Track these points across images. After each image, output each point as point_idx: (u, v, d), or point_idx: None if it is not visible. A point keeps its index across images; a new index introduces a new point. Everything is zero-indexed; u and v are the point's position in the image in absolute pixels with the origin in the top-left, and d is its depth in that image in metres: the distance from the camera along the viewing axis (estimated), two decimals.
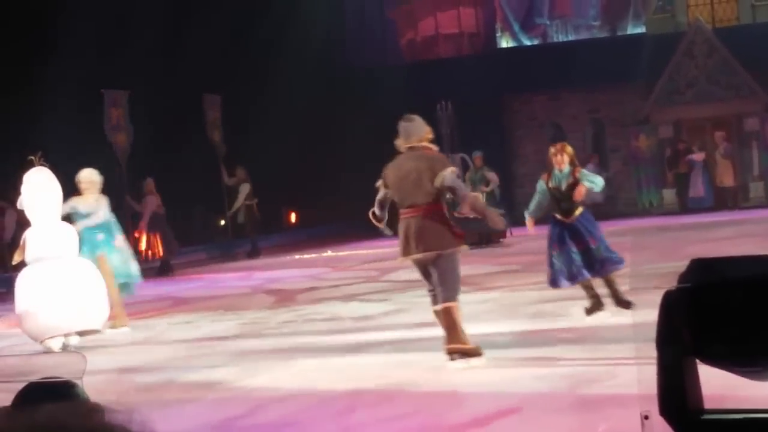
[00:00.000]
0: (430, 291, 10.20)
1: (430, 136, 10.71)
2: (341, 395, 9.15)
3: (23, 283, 13.19)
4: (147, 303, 17.94)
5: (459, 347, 9.83)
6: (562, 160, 12.03)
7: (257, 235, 27.62)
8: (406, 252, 10.16)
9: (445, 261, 9.93)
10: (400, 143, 10.62)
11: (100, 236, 14.73)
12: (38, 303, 12.92)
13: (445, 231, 10.01)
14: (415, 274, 15.61)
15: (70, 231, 13.59)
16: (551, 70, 31.99)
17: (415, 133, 10.58)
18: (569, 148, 12.29)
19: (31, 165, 13.56)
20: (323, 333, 12.97)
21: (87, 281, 13.24)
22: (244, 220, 27.07)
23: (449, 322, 9.86)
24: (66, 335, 13.13)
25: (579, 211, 12.04)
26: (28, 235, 13.39)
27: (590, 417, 7.69)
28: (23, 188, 13.57)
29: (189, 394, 9.73)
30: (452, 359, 9.83)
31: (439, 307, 9.94)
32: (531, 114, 34.14)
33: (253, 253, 27.20)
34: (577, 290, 14.39)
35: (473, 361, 9.78)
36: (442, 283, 9.91)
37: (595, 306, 11.96)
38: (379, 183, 10.62)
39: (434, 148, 10.71)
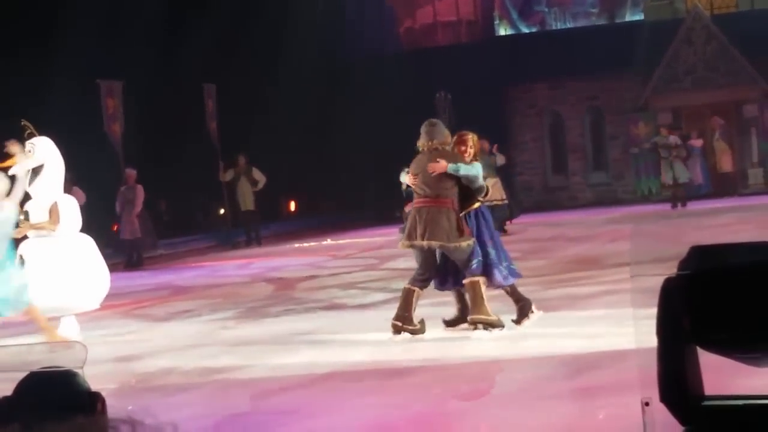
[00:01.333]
0: (419, 277, 11.13)
1: (450, 140, 11.27)
2: (341, 382, 9.16)
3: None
4: (147, 292, 17.96)
5: (483, 318, 10.59)
6: (465, 150, 11.28)
7: (259, 224, 27.69)
8: (410, 238, 10.96)
9: (457, 252, 10.70)
10: (423, 144, 11.23)
11: None
12: (33, 283, 12.61)
13: (453, 226, 10.77)
14: (414, 263, 15.59)
15: (72, 205, 13.21)
16: (550, 57, 31.98)
17: (438, 137, 11.17)
18: (469, 138, 11.43)
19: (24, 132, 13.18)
20: (323, 321, 12.98)
21: (83, 259, 13.02)
22: (253, 207, 27.16)
23: (475, 294, 10.61)
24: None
25: (476, 205, 11.19)
26: (30, 208, 13.02)
27: (590, 404, 7.70)
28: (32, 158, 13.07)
29: (189, 383, 9.74)
30: (475, 329, 10.60)
31: (466, 280, 10.66)
32: (530, 102, 34.13)
33: (256, 241, 27.27)
34: (577, 279, 14.43)
35: (495, 332, 10.54)
36: (464, 265, 10.71)
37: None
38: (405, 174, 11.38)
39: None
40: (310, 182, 31.83)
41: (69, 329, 12.82)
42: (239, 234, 28.23)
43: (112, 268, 16.56)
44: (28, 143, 13.02)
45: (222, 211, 29.31)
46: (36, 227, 12.88)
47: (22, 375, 2.65)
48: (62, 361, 2.77)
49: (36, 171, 12.98)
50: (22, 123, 13.19)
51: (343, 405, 8.35)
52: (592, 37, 32.19)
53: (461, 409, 7.98)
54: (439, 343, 10.39)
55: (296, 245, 26.16)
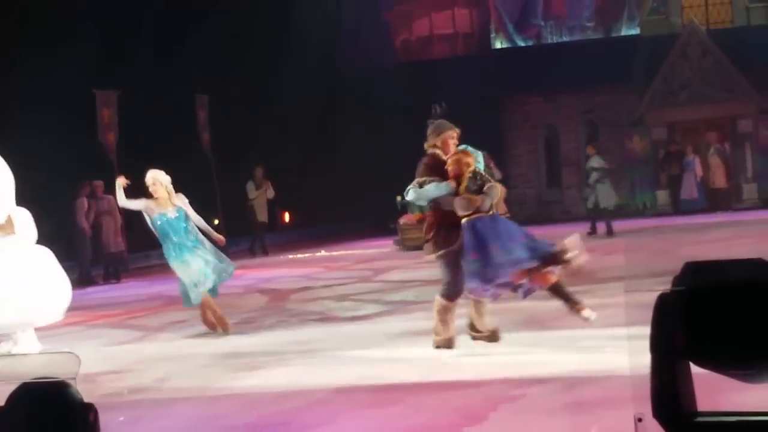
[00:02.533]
0: None
1: (431, 143, 11.05)
2: (334, 394, 9.15)
3: None
4: (139, 302, 17.95)
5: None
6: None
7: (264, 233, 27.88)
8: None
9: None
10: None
11: None
12: None
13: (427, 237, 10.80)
14: (409, 275, 15.73)
15: (26, 217, 12.80)
16: (545, 71, 32.03)
17: (427, 139, 11.10)
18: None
19: None
20: (316, 333, 12.97)
21: (41, 271, 12.61)
22: (266, 219, 27.37)
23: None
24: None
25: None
26: None
27: (583, 419, 7.69)
28: None
29: (181, 394, 9.72)
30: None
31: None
32: (525, 115, 34.17)
33: (263, 250, 27.38)
34: (576, 293, 14.42)
35: (489, 347, 10.55)
36: None
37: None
38: None
39: (435, 153, 10.99)
40: (304, 193, 31.81)
41: (29, 344, 12.57)
42: (232, 244, 28.20)
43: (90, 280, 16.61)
44: None
45: (216, 221, 29.27)
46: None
47: (13, 386, 2.64)
48: (54, 372, 2.76)
49: None
50: None
51: (335, 418, 8.34)
52: (587, 51, 32.25)
53: (454, 424, 7.97)
54: (433, 359, 10.37)
55: (290, 256, 26.16)
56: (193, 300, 13.63)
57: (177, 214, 14.00)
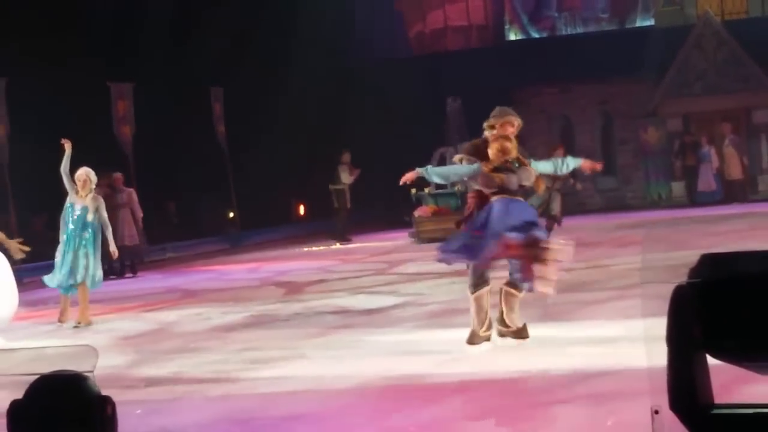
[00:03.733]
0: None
1: (489, 123, 10.82)
2: (350, 388, 9.16)
3: None
4: (156, 295, 17.97)
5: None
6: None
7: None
8: None
9: None
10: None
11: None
12: None
13: None
14: (423, 267, 15.66)
15: None
16: (560, 62, 31.97)
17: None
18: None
19: None
20: (332, 326, 12.98)
21: None
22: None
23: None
24: None
25: None
26: None
27: (599, 411, 7.69)
28: None
29: (198, 387, 9.74)
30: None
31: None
32: (540, 106, 34.09)
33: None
34: (586, 285, 14.41)
35: (506, 340, 10.41)
36: None
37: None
38: None
39: (486, 136, 10.81)
40: (319, 186, 31.81)
41: None
42: (248, 237, 28.24)
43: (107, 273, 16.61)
44: None
45: (231, 214, 29.32)
46: None
47: (32, 379, 2.65)
48: (72, 364, 2.78)
49: None
50: None
51: (351, 411, 8.35)
52: (602, 43, 32.18)
53: (470, 416, 7.97)
54: (448, 352, 10.36)
55: (305, 249, 26.17)
56: (48, 282, 15.18)
57: (81, 211, 14.97)
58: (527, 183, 10.54)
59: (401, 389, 8.99)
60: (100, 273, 15.18)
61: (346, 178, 26.83)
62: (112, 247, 15.21)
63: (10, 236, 19.22)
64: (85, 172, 15.16)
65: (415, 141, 27.56)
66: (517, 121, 10.74)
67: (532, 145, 34.04)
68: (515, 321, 10.49)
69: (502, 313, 10.49)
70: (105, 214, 15.21)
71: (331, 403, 8.65)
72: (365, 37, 34.57)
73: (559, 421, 7.57)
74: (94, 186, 15.21)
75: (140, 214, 22.28)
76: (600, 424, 7.38)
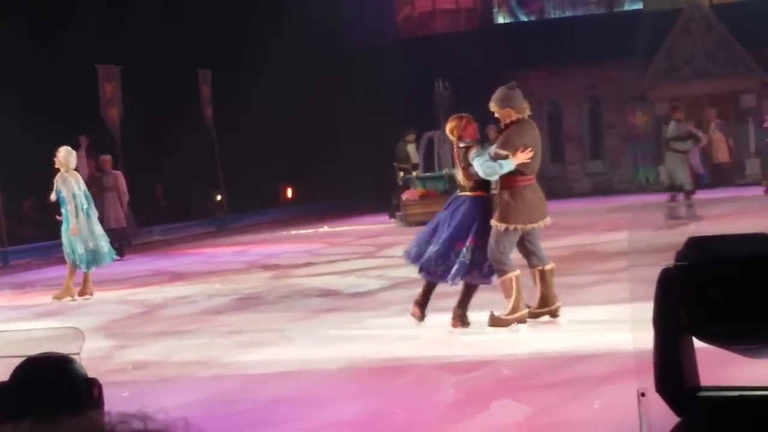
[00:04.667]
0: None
1: (524, 107, 10.69)
2: (337, 370, 9.17)
3: None
4: (143, 277, 17.97)
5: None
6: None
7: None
8: (538, 218, 10.40)
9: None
10: (525, 108, 10.58)
11: None
12: None
13: None
14: None
15: None
16: (549, 46, 31.93)
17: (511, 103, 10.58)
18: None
19: None
20: (319, 308, 12.99)
21: None
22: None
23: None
24: None
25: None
26: None
27: (586, 394, 7.71)
28: None
29: (184, 370, 9.75)
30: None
31: (550, 265, 10.49)
32: (528, 90, 33.79)
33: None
34: (573, 268, 14.44)
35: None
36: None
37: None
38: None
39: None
40: (307, 169, 31.79)
41: None
42: (236, 220, 28.24)
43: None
44: None
45: (219, 197, 29.30)
46: None
47: (18, 361, 2.65)
48: (59, 347, 2.77)
49: None
50: None
51: (336, 393, 8.37)
52: (590, 26, 32.13)
53: (456, 399, 8.00)
54: (437, 335, 10.37)
55: (293, 232, 26.17)
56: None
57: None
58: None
59: (389, 371, 9.00)
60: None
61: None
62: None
63: None
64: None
65: (403, 125, 27.52)
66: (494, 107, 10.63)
67: None
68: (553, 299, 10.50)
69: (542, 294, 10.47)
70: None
71: (318, 386, 8.66)
72: (354, 20, 34.47)
73: (545, 404, 7.59)
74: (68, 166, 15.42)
75: (126, 198, 22.17)
76: (587, 406, 7.41)
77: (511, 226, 10.15)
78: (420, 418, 7.48)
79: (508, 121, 10.50)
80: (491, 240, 10.13)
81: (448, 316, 10.56)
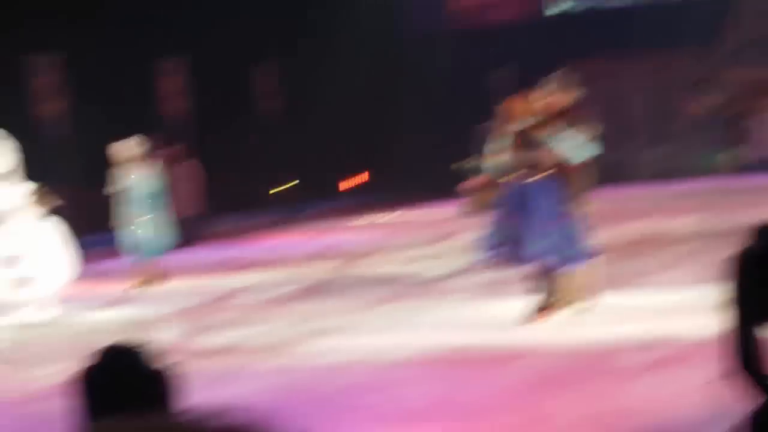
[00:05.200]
0: None
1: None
2: (405, 358, 9.20)
3: None
4: (213, 266, 18.08)
5: None
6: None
7: None
8: None
9: None
10: (577, 94, 10.76)
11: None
12: None
13: None
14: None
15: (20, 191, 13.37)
16: (609, 33, 31.66)
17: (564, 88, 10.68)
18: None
19: None
20: (386, 297, 13.02)
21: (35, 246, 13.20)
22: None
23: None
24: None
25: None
26: None
27: (658, 378, 7.70)
28: None
29: (255, 358, 9.83)
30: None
31: None
32: (589, 77, 33.77)
33: None
34: (641, 253, 14.35)
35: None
36: None
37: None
38: None
39: None
40: (369, 158, 31.83)
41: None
42: (303, 208, 28.33)
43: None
44: None
45: (287, 186, 29.40)
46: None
47: (99, 347, 2.71)
48: (135, 334, 2.84)
49: None
50: None
51: (406, 381, 8.40)
52: (653, 11, 31.85)
53: (532, 387, 7.99)
54: (503, 322, 10.35)
55: (359, 221, 26.20)
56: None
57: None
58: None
59: (456, 358, 9.02)
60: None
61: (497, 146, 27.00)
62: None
63: (72, 210, 19.46)
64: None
65: (463, 115, 27.46)
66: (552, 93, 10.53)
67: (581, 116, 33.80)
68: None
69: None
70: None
71: (385, 374, 8.70)
72: (411, 10, 34.38)
73: (617, 389, 7.58)
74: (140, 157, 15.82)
75: (197, 186, 22.38)
76: (660, 391, 7.38)
77: (587, 208, 10.15)
78: (489, 404, 7.49)
79: (565, 106, 10.43)
80: (575, 223, 10.06)
81: (514, 302, 10.54)
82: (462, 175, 26.30)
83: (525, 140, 10.23)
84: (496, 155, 10.33)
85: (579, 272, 10.10)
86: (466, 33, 33.90)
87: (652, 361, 8.22)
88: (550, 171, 10.14)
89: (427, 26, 33.81)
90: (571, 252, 9.98)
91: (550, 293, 10.17)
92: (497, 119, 10.91)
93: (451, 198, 26.74)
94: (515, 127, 10.36)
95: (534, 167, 10.16)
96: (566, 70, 10.80)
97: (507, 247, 10.07)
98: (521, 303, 10.44)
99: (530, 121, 10.30)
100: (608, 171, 31.89)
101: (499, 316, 10.63)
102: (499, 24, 34.20)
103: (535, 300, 10.27)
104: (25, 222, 13.14)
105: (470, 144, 26.98)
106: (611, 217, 19.92)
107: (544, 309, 10.15)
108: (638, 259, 13.84)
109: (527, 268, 10.25)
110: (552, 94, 10.44)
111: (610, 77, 33.26)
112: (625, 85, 33.33)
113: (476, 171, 25.83)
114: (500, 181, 10.39)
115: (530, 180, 10.16)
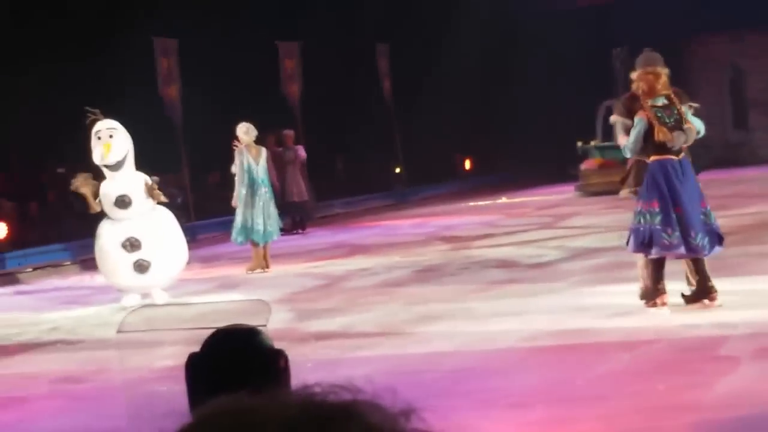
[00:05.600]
0: None
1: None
2: (517, 342, 9.20)
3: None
4: (324, 250, 18.23)
5: None
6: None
7: None
8: None
9: None
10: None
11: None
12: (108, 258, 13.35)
13: None
14: (590, 220, 15.47)
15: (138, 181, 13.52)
16: (731, 8, 31.07)
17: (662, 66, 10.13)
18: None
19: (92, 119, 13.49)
20: (498, 280, 13.01)
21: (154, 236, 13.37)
22: None
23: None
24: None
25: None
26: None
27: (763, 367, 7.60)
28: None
29: (367, 341, 9.90)
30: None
31: None
32: (710, 55, 33.27)
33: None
34: (757, 237, 14.12)
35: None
36: None
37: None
38: None
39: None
40: (484, 140, 31.75)
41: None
42: (415, 193, 28.38)
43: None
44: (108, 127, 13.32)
45: (398, 169, 29.49)
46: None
47: (208, 332, 2.76)
48: (247, 318, 2.88)
49: None
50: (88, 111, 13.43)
51: (518, 365, 8.40)
52: None
53: (642, 371, 7.94)
54: (616, 306, 10.26)
55: (471, 204, 26.18)
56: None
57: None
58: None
59: (569, 342, 8.99)
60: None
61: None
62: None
63: (184, 195, 19.82)
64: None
65: (580, 94, 27.25)
66: (659, 71, 9.95)
67: (701, 95, 33.31)
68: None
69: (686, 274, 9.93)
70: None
71: (497, 357, 8.70)
72: None
73: (728, 376, 7.49)
74: (248, 140, 15.95)
75: (304, 170, 22.40)
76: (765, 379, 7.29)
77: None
78: (594, 391, 7.46)
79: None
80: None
81: (627, 287, 10.44)
82: (579, 157, 26.13)
83: (664, 118, 9.65)
84: (623, 136, 9.85)
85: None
86: (587, 9, 33.53)
87: (761, 347, 8.11)
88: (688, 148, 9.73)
89: (549, 3, 33.52)
90: (715, 236, 9.60)
91: (704, 279, 9.69)
92: (621, 99, 10.59)
93: (567, 180, 26.59)
94: (651, 104, 9.74)
95: (674, 146, 9.58)
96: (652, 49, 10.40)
97: (668, 236, 9.44)
98: (635, 288, 10.34)
99: (662, 99, 9.78)
100: (727, 152, 31.37)
101: (613, 300, 10.55)
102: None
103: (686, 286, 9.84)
104: (143, 208, 13.38)
105: (588, 125, 26.81)
106: (729, 198, 19.58)
107: (711, 290, 9.68)
108: (752, 243, 13.60)
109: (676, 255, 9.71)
110: (665, 72, 10.05)
111: (733, 55, 32.62)
112: (747, 63, 32.67)
113: (594, 152, 25.65)
114: (637, 162, 9.95)
115: (676, 159, 9.63)
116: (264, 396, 1.39)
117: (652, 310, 9.65)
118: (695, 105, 10.25)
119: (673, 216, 9.43)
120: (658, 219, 9.46)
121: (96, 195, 13.33)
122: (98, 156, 13.26)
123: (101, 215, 13.49)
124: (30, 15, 22.24)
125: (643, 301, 9.80)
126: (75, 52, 21.91)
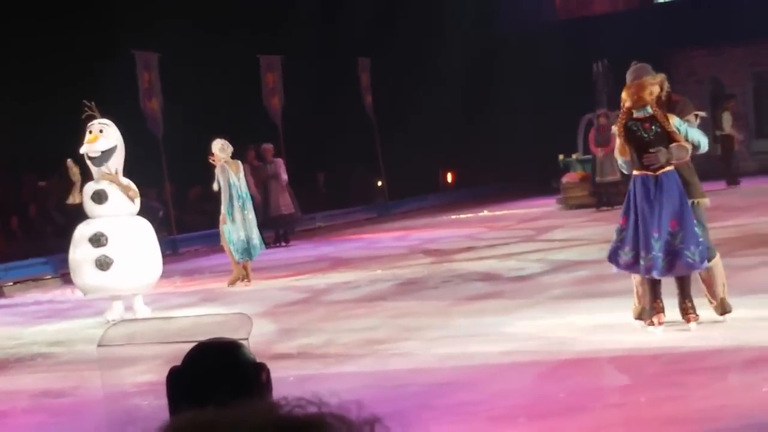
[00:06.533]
0: None
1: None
2: (500, 355, 9.18)
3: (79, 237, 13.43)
4: (306, 264, 18.21)
5: None
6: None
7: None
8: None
9: None
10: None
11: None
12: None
13: None
14: (572, 233, 15.47)
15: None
16: (711, 23, 31.23)
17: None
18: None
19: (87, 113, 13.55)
20: (480, 293, 13.00)
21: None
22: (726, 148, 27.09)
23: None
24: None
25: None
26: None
27: (754, 378, 7.60)
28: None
29: (349, 354, 9.88)
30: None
31: None
32: (689, 69, 33.40)
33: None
34: (739, 251, 14.14)
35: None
36: None
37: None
38: None
39: None
40: (466, 154, 31.78)
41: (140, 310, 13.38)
42: (397, 206, 28.37)
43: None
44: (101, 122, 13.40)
45: (379, 183, 29.48)
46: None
47: (190, 346, 2.74)
48: (228, 332, 2.86)
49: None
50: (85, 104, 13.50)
51: (501, 378, 8.38)
52: (754, 1, 31.32)
53: (620, 384, 7.93)
54: (597, 320, 10.26)
55: (453, 217, 26.20)
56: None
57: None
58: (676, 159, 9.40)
59: (551, 356, 8.98)
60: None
61: (728, 125, 27.36)
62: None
63: (165, 208, 19.75)
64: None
65: (562, 107, 27.30)
66: (651, 82, 9.85)
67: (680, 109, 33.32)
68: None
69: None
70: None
71: (480, 370, 8.69)
72: (511, 3, 34.26)
73: (711, 388, 7.49)
74: (224, 156, 15.84)
75: (285, 182, 22.25)
76: (755, 390, 7.28)
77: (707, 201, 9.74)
78: (582, 402, 7.45)
79: (664, 95, 10.08)
80: (700, 220, 9.45)
81: (609, 301, 10.44)
82: (560, 170, 26.17)
83: (640, 132, 9.47)
84: (605, 148, 9.75)
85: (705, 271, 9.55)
86: (570, 23, 33.66)
87: (747, 359, 8.13)
88: (680, 161, 9.45)
89: (529, 18, 33.62)
90: (701, 250, 9.25)
91: (683, 298, 9.52)
92: (603, 111, 10.51)
93: (549, 193, 26.64)
94: (634, 116, 9.59)
95: (661, 159, 9.32)
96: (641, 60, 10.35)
97: (624, 254, 9.35)
98: (618, 300, 10.35)
99: (648, 110, 9.59)
100: (707, 164, 31.41)
101: (594, 314, 10.55)
102: (603, 14, 33.95)
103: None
104: (121, 210, 13.39)
105: (570, 138, 26.84)
106: (711, 211, 19.57)
107: (687, 311, 9.47)
108: (733, 255, 13.62)
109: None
110: (653, 83, 9.92)
111: (713, 68, 32.75)
112: (726, 77, 32.81)
113: (575, 166, 25.68)
114: (621, 176, 9.81)
115: (661, 173, 9.33)
116: (231, 409, 1.39)
117: (639, 324, 9.54)
118: (702, 114, 10.20)
119: (632, 233, 9.30)
120: (621, 236, 9.40)
121: (81, 187, 13.41)
122: (85, 145, 13.32)
123: (81, 218, 13.56)
124: (8, 27, 22.16)
125: (639, 321, 9.56)
126: (56, 66, 21.87)
